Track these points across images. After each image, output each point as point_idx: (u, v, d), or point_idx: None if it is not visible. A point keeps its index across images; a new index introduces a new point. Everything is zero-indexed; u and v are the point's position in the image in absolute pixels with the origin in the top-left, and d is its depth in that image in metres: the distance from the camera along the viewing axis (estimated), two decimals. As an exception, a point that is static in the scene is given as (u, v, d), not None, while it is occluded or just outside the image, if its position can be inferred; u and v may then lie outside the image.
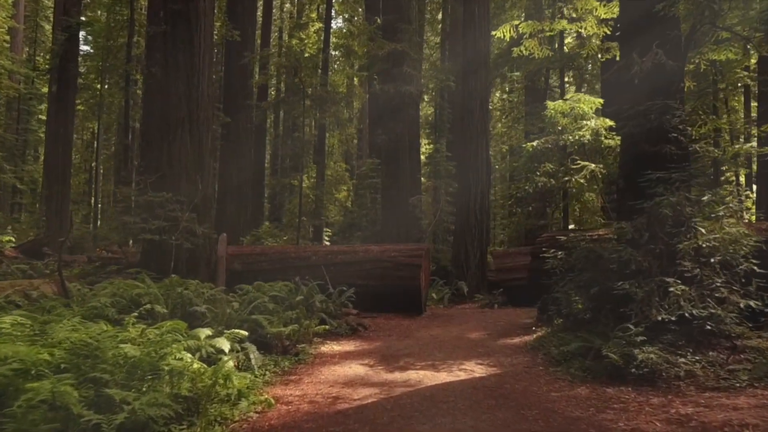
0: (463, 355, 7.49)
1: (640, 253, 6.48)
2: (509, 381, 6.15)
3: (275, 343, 7.61)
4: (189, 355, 5.93)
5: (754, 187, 17.62)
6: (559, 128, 9.19)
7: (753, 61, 15.87)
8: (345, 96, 16.25)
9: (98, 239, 16.87)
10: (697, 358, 6.26)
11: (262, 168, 27.89)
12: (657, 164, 7.18)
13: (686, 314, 5.88)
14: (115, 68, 26.12)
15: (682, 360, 6.19)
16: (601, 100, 9.10)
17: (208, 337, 6.45)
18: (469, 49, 15.33)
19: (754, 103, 19.06)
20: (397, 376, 6.41)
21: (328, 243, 24.21)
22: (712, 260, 6.15)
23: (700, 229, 6.42)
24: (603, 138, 8.91)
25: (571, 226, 28.94)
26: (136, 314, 5.80)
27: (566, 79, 23.50)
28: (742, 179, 23.36)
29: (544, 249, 8.67)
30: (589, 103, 9.09)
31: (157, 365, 4.64)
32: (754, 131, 18.39)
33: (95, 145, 31.92)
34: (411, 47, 15.32)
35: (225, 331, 6.77)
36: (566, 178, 8.27)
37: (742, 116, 19.77)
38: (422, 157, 25.84)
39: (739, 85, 17.18)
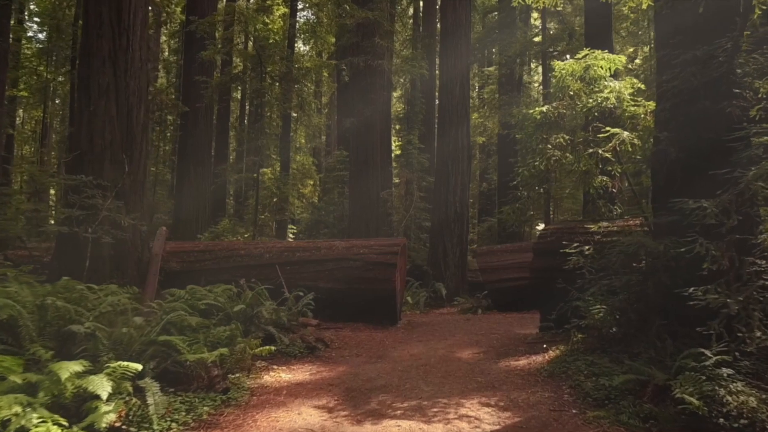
0: (459, 388, 5.21)
1: (719, 247, 4.30)
2: (538, 439, 3.89)
3: (197, 374, 5.20)
4: (36, 414, 3.57)
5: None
6: (571, 93, 6.99)
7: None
8: (310, 71, 13.93)
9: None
10: (807, 399, 4.13)
11: (225, 161, 25.22)
12: (719, 128, 5.06)
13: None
14: (60, 49, 23.10)
15: (789, 404, 4.04)
16: (623, 58, 6.95)
17: (78, 374, 4.04)
18: (449, 19, 13.12)
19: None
20: (369, 430, 4.08)
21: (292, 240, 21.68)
22: None
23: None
24: (626, 104, 6.75)
25: (541, 226, 26.93)
26: None
27: (535, 67, 21.54)
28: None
29: (564, 243, 6.46)
30: (609, 62, 6.93)
31: None
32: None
33: (46, 134, 28.64)
34: (383, 17, 13.07)
35: (114, 362, 4.36)
36: (590, 150, 6.06)
37: None
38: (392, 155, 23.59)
39: None
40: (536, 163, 6.39)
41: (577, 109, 6.62)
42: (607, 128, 5.92)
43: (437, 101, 22.02)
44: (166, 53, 32.25)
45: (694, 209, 4.21)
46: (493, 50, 26.46)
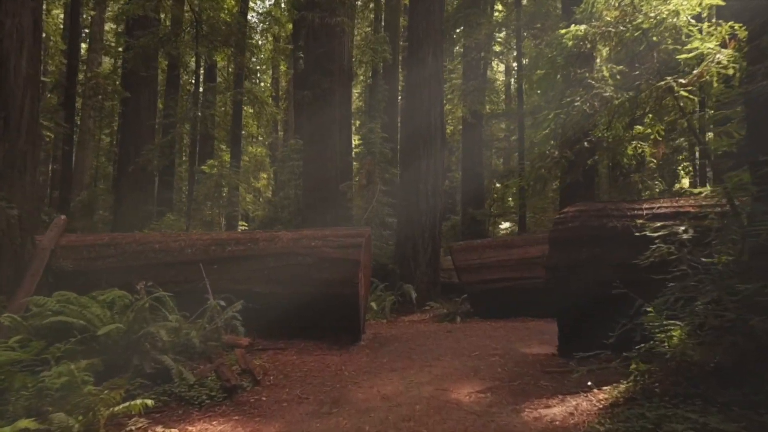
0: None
1: None
2: None
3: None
4: None
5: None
6: (609, 18, 4.66)
7: None
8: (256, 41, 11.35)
9: None
10: None
11: (171, 152, 22.17)
12: None
13: None
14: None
15: None
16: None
17: None
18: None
19: None
20: None
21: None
22: None
23: None
24: (688, 32, 4.44)
25: (504, 225, 24.73)
26: None
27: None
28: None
29: (605, 227, 4.10)
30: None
31: None
32: None
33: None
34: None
35: None
36: (662, 82, 3.72)
37: None
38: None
39: None
40: (577, 103, 4.04)
41: (628, 34, 4.29)
42: (694, 43, 3.62)
43: (402, 84, 19.74)
44: (113, 42, 28.87)
45: None
46: (457, 35, 24.32)
